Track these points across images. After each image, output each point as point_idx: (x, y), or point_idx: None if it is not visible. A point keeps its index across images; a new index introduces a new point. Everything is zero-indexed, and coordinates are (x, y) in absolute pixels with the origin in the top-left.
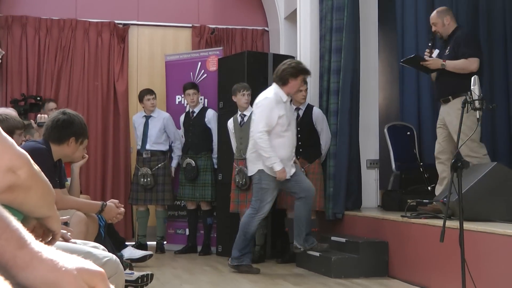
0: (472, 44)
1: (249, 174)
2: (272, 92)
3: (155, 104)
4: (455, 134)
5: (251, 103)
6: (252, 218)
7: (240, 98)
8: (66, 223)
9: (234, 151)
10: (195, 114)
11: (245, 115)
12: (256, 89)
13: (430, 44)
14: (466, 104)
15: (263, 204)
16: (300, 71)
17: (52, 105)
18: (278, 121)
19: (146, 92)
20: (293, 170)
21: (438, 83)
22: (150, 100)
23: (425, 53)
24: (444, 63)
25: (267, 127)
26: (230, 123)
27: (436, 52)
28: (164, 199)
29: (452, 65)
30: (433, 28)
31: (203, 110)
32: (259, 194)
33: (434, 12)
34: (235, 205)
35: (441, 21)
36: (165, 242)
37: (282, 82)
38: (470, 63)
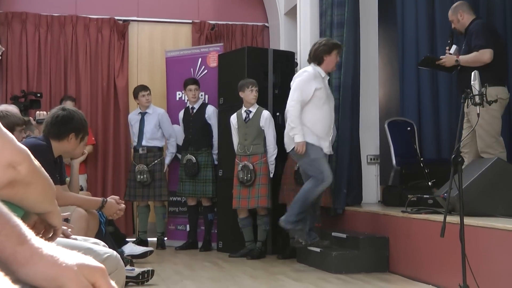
0: (482, 35)
1: (288, 150)
2: (310, 68)
3: (150, 100)
4: (478, 128)
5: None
6: (316, 187)
7: (248, 94)
8: (66, 220)
9: (236, 147)
10: (195, 110)
11: (250, 111)
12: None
13: (449, 41)
14: (466, 99)
15: (324, 173)
16: (332, 46)
17: (69, 103)
18: (316, 93)
19: (141, 89)
20: (329, 148)
21: (457, 79)
22: (145, 96)
23: (446, 50)
24: (458, 59)
25: (301, 97)
26: (234, 118)
27: (454, 48)
28: (161, 194)
29: (465, 59)
30: (452, 25)
31: (203, 106)
32: (313, 166)
33: (451, 8)
34: (237, 201)
35: (455, 17)
36: (165, 238)
37: (318, 61)
38: (481, 55)
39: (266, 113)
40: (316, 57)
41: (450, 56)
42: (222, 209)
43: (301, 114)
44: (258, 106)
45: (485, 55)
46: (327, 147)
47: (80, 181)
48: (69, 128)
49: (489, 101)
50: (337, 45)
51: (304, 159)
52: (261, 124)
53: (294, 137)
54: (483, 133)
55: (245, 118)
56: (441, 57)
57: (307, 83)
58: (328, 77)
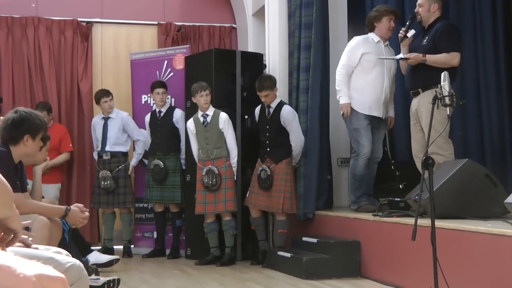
0: (454, 37)
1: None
2: (362, 35)
3: (112, 106)
4: (426, 127)
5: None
6: (356, 161)
7: (199, 99)
8: (27, 228)
9: (196, 152)
10: (162, 114)
11: (207, 115)
12: (224, 88)
13: (408, 23)
14: (436, 100)
15: (360, 144)
16: (382, 12)
17: (44, 113)
18: (364, 57)
19: (102, 94)
20: (381, 112)
21: (408, 75)
22: (107, 102)
23: (400, 31)
24: (424, 58)
25: (348, 62)
26: (191, 123)
27: (411, 32)
28: (125, 201)
29: (433, 59)
30: (417, 9)
31: (171, 110)
32: (353, 136)
33: None
34: (202, 206)
35: (428, 5)
36: (132, 246)
37: (369, 28)
38: (452, 58)
39: (223, 115)
40: (368, 24)
41: (417, 55)
42: (191, 215)
43: (349, 79)
44: (214, 108)
45: (455, 58)
46: (378, 111)
47: (53, 190)
48: (22, 130)
49: (461, 101)
50: (387, 12)
51: (348, 126)
52: (220, 127)
53: (339, 98)
54: (434, 134)
55: (203, 122)
56: (407, 56)
57: (354, 48)
58: (386, 42)
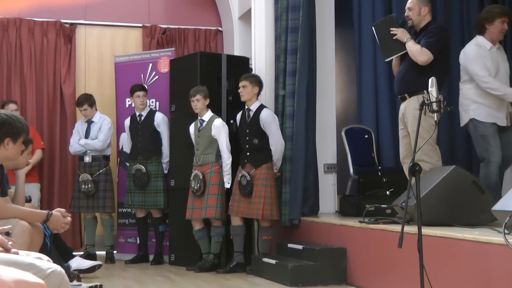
0: (435, 38)
1: (462, 124)
2: (472, 44)
3: (88, 114)
4: (413, 134)
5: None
6: (487, 169)
7: (191, 104)
8: (8, 233)
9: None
10: (143, 118)
11: (204, 121)
12: (209, 91)
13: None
14: (424, 106)
15: (489, 151)
16: (495, 14)
17: (12, 106)
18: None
19: (77, 104)
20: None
21: (397, 80)
22: (82, 111)
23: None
24: (409, 38)
25: (487, 71)
26: (191, 127)
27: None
28: (105, 206)
29: (410, 47)
30: (407, 13)
31: (151, 113)
32: (480, 143)
33: None
34: (190, 211)
35: (418, 8)
36: (115, 252)
37: (479, 30)
38: (421, 54)
39: (217, 122)
40: (477, 26)
41: (404, 31)
42: (174, 220)
43: (471, 90)
44: (212, 114)
45: (424, 56)
46: (502, 118)
47: (33, 190)
48: (3, 133)
49: (449, 108)
50: (501, 13)
51: (474, 133)
52: (212, 133)
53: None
54: (420, 141)
55: (199, 127)
56: (394, 30)
57: (481, 57)
58: (497, 45)
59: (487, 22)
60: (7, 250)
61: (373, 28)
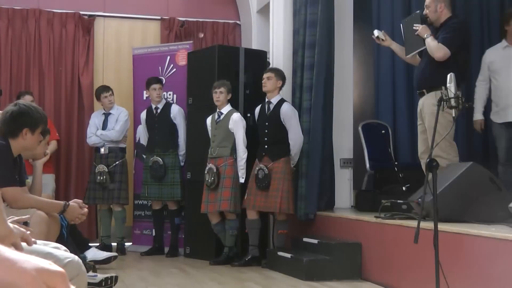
0: (454, 33)
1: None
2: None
3: (112, 101)
4: (430, 129)
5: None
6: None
7: (213, 96)
8: (26, 223)
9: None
10: (159, 110)
11: (222, 113)
12: None
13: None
14: (442, 102)
15: (503, 151)
16: (510, 15)
17: (28, 97)
18: (491, 67)
19: (102, 90)
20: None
21: (416, 74)
22: (108, 97)
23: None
24: (428, 34)
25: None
26: (208, 119)
27: (377, 32)
28: (120, 197)
29: (429, 43)
30: (425, 11)
31: (168, 106)
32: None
33: None
34: (205, 205)
35: (434, 6)
36: (126, 243)
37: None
38: (438, 49)
39: (235, 116)
40: (500, 29)
41: (426, 27)
42: (190, 213)
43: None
44: (231, 108)
45: (440, 51)
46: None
47: (48, 181)
48: (21, 123)
49: (467, 104)
50: None
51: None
52: (230, 127)
53: None
54: (438, 137)
55: (217, 119)
56: (416, 26)
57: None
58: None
59: (504, 24)
60: (28, 243)
61: (400, 25)
